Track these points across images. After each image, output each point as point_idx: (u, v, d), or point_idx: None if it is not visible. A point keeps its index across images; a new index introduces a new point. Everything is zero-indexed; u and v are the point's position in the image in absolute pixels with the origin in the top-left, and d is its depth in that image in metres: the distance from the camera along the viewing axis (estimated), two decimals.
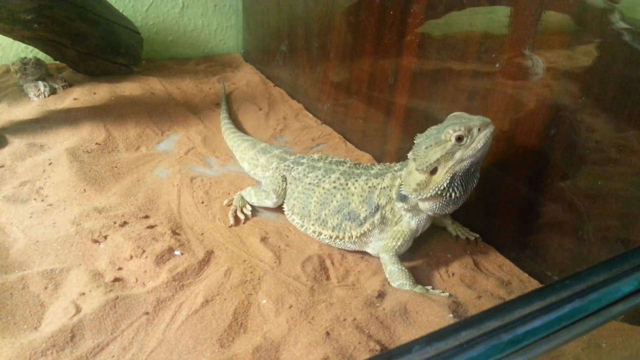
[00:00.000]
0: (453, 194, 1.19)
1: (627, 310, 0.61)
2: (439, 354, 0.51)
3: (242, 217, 1.50)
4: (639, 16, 1.09)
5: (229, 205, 1.55)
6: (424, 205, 1.24)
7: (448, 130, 1.16)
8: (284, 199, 1.52)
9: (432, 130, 1.23)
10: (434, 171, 1.19)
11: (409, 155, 1.25)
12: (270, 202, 1.53)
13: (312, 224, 1.38)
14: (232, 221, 1.47)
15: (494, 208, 1.43)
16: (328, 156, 1.52)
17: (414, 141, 1.25)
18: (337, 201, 1.35)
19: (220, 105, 2.28)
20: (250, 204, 1.55)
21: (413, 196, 1.23)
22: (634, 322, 1.07)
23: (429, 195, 1.20)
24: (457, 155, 1.16)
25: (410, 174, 1.23)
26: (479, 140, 1.15)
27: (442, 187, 1.18)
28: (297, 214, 1.43)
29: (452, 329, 0.53)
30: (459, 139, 1.15)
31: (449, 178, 1.17)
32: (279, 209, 1.54)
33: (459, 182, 1.19)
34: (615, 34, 1.08)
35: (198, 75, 2.73)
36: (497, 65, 1.33)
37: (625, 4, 1.09)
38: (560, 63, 1.19)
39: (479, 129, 1.16)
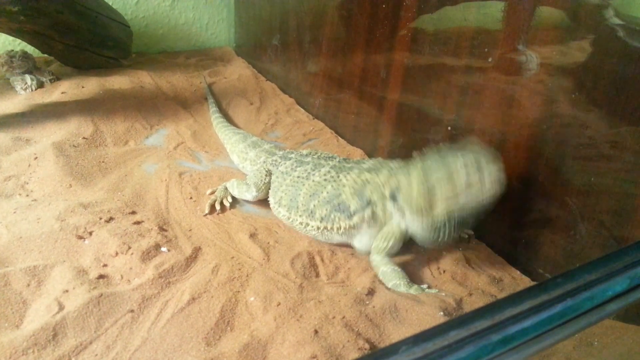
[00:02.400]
0: (443, 229, 1.18)
1: (619, 309, 0.59)
2: (426, 355, 0.49)
3: (218, 207, 1.49)
4: (632, 12, 1.08)
5: (212, 194, 1.55)
6: (410, 223, 1.23)
7: (461, 172, 1.11)
8: (265, 193, 1.51)
9: (446, 152, 1.17)
10: (433, 202, 1.16)
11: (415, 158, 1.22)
12: (250, 196, 1.52)
13: (300, 215, 1.37)
14: (207, 210, 1.47)
15: None
16: (317, 152, 1.51)
17: (424, 152, 1.21)
18: (327, 192, 1.33)
19: (207, 100, 2.26)
20: (232, 196, 1.55)
21: (412, 216, 1.21)
22: (626, 320, 1.06)
23: (424, 223, 1.19)
24: (461, 199, 1.12)
25: (411, 187, 1.20)
26: (486, 191, 1.10)
27: (436, 221, 1.17)
28: (285, 206, 1.41)
29: (440, 329, 0.51)
30: (469, 185, 1.10)
31: (444, 216, 1.15)
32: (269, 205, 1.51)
33: (453, 222, 1.16)
34: (609, 30, 1.07)
35: (189, 69, 2.70)
36: (490, 60, 1.32)
37: (619, 0, 1.08)
38: (554, 58, 1.17)
39: (489, 175, 1.10)
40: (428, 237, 1.21)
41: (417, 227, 1.22)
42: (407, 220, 1.24)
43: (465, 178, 1.10)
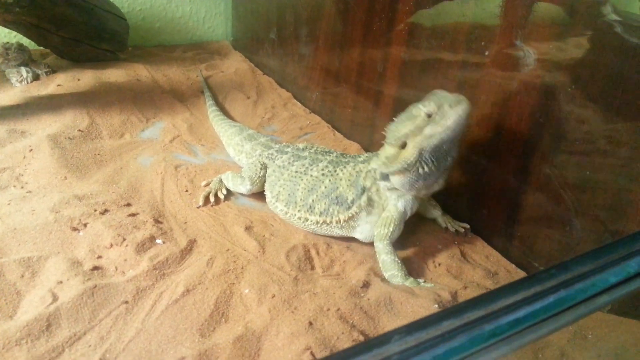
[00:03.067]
0: (421, 170, 1.18)
1: (614, 301, 0.59)
2: (419, 344, 0.49)
3: (212, 199, 1.49)
4: (629, 8, 1.08)
5: (207, 185, 1.56)
6: (395, 181, 1.23)
7: (418, 106, 1.16)
8: (260, 187, 1.51)
9: (410, 107, 1.22)
10: (403, 146, 1.19)
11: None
12: (244, 189, 1.52)
13: (299, 210, 1.36)
14: (201, 202, 1.47)
15: (481, 198, 1.41)
16: (313, 146, 1.51)
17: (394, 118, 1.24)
18: (325, 187, 1.33)
19: (204, 93, 2.26)
20: (227, 188, 1.55)
21: (382, 169, 1.23)
22: (620, 313, 1.06)
23: (396, 168, 1.20)
24: (427, 130, 1.15)
25: (383, 149, 1.24)
26: (449, 117, 1.13)
27: (409, 162, 1.17)
28: (282, 201, 1.41)
29: (433, 318, 0.51)
30: (428, 114, 1.14)
31: (416, 153, 1.16)
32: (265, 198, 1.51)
33: (427, 158, 1.17)
34: (606, 26, 1.06)
35: (185, 63, 2.69)
36: (487, 55, 1.31)
37: None
38: (551, 54, 1.17)
39: (450, 106, 1.13)
40: (413, 179, 1.20)
41: (400, 178, 1.21)
42: (393, 182, 1.24)
43: (424, 110, 1.14)
